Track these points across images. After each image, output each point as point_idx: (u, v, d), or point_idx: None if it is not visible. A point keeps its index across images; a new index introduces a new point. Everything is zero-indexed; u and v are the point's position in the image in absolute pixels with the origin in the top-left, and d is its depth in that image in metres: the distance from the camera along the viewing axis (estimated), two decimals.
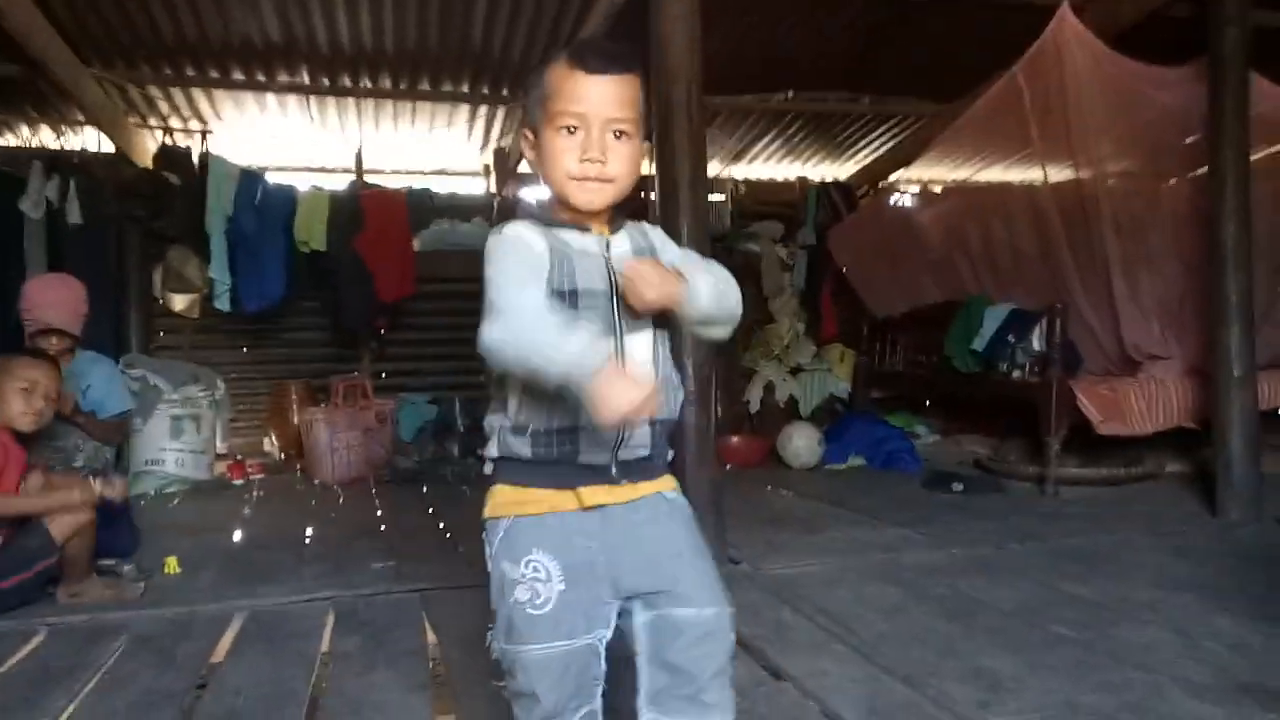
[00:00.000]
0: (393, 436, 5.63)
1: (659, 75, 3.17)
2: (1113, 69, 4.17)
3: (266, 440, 6.17)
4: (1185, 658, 2.15)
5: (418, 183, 6.76)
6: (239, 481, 5.28)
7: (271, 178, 5.97)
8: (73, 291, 3.62)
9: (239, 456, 5.65)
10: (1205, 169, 3.97)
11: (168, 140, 5.92)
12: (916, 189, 6.88)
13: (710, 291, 1.32)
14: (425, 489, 4.93)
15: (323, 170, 6.88)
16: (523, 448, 1.31)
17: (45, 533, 2.69)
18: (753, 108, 6.28)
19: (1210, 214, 3.80)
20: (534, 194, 6.49)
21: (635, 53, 1.35)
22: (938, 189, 6.87)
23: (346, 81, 5.64)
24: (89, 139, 6.02)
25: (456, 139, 6.60)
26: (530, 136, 1.37)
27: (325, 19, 4.81)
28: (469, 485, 4.94)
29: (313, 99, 5.82)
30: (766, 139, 7.01)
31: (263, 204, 5.70)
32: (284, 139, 6.36)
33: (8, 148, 5.95)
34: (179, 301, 6.03)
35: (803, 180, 7.48)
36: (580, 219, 1.34)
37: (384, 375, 6.42)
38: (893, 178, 7.29)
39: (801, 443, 5.25)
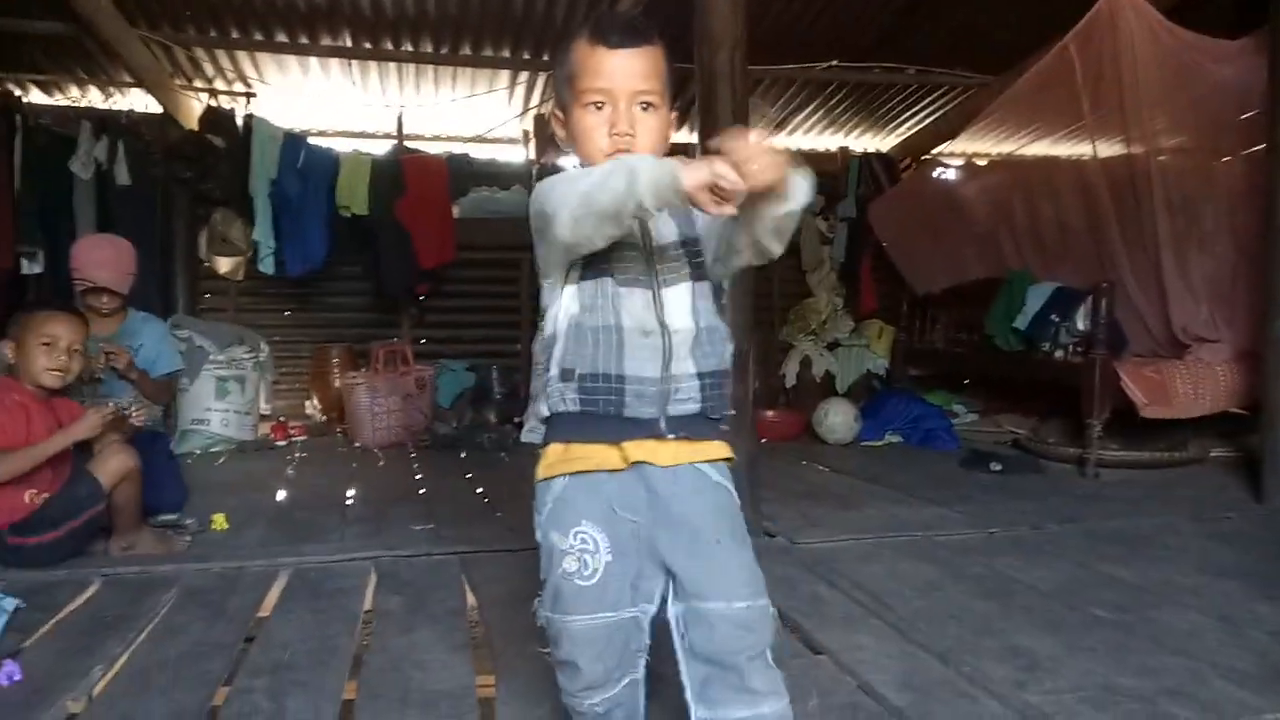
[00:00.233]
0: (432, 402, 5.69)
1: (702, 42, 3.14)
2: (1169, 40, 4.06)
3: (308, 403, 6.27)
4: (1227, 644, 2.13)
5: (457, 149, 6.77)
6: (281, 442, 5.38)
7: (313, 142, 6.01)
8: (120, 251, 3.66)
9: (282, 418, 5.76)
10: (1263, 146, 3.86)
11: (213, 102, 5.98)
12: (960, 162, 6.76)
13: (806, 184, 1.26)
14: (463, 455, 4.99)
15: (363, 135, 6.91)
16: (570, 395, 1.31)
17: (93, 480, 2.76)
18: (795, 77, 6.20)
19: (1266, 192, 3.69)
20: (573, 162, 6.47)
21: (654, 25, 1.35)
22: (982, 162, 6.75)
23: (388, 45, 5.65)
24: (136, 100, 6.09)
25: (496, 105, 6.59)
26: (560, 116, 1.39)
27: None
28: (506, 451, 5.00)
29: (354, 63, 5.83)
30: (808, 109, 6.92)
31: (305, 167, 5.75)
32: (326, 103, 6.39)
33: (57, 107, 6.04)
34: (224, 264, 6.12)
35: (844, 151, 7.39)
36: None
37: (423, 341, 6.48)
38: (936, 150, 7.18)
39: (838, 418, 5.23)
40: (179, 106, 5.92)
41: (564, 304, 1.33)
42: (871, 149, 7.51)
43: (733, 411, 1.40)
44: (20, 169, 5.25)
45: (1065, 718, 1.75)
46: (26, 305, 3.20)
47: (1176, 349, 4.51)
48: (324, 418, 6.06)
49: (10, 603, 2.28)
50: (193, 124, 5.84)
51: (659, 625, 1.37)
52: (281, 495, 3.90)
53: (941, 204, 6.27)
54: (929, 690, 1.89)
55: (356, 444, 5.31)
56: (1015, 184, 5.73)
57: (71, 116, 5.75)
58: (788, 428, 5.50)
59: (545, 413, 1.36)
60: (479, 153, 6.90)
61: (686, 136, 6.36)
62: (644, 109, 1.32)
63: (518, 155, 7.05)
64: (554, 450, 1.36)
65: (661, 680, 1.41)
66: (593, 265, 1.31)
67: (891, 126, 7.33)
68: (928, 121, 7.14)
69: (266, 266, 5.76)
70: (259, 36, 5.48)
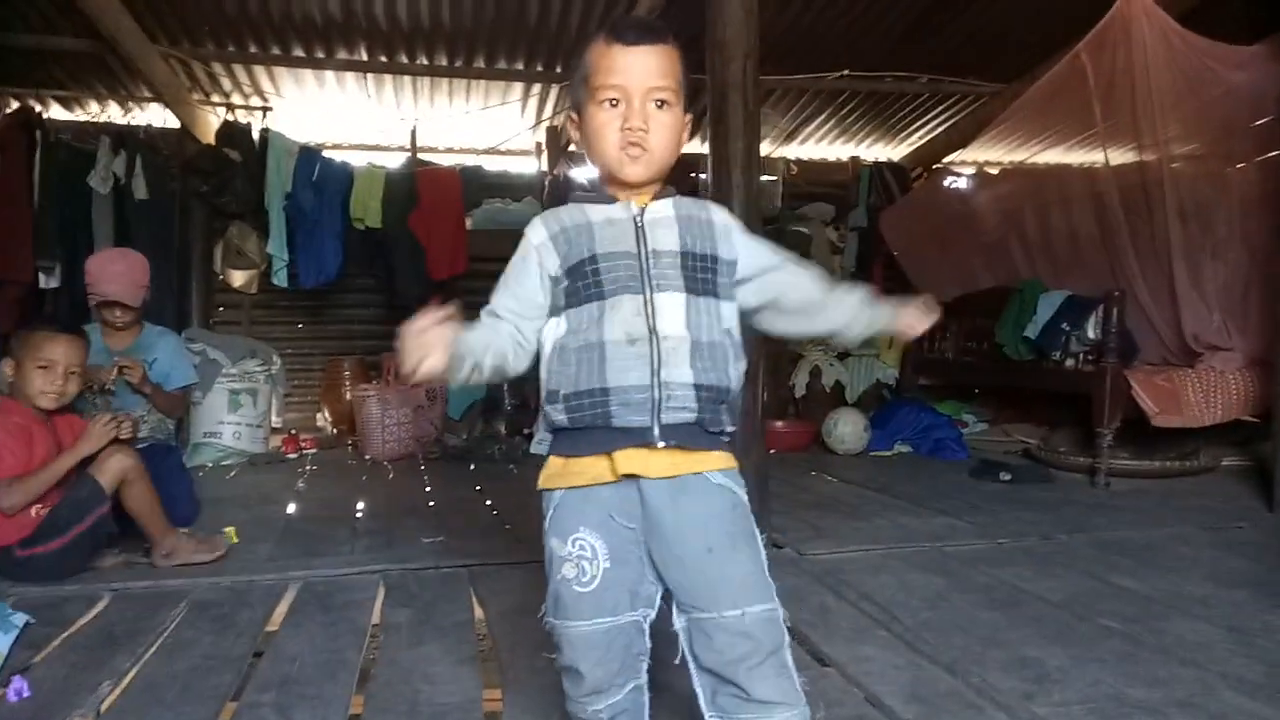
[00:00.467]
0: (442, 414, 5.72)
1: (714, 52, 3.16)
2: (1182, 46, 4.05)
3: (319, 415, 6.31)
4: (1237, 655, 2.11)
5: (470, 161, 6.82)
6: (292, 455, 5.41)
7: (329, 155, 6.07)
8: (131, 264, 3.67)
9: (293, 431, 5.79)
10: (1276, 152, 3.84)
11: (229, 117, 6.04)
12: (972, 171, 6.76)
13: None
14: (473, 466, 5.01)
15: (378, 148, 6.97)
16: (559, 415, 1.32)
17: (93, 481, 2.77)
18: (806, 86, 6.22)
19: (1278, 198, 3.67)
20: (585, 173, 6.50)
21: (668, 27, 1.36)
22: (994, 171, 6.74)
23: (403, 59, 5.71)
24: (154, 115, 6.17)
25: (509, 117, 6.64)
26: (575, 118, 1.40)
27: None
28: (515, 463, 5.01)
29: (369, 76, 5.90)
30: (820, 119, 6.93)
31: (320, 180, 5.81)
32: (341, 116, 6.45)
33: (77, 122, 6.12)
34: (238, 277, 6.18)
35: (855, 161, 7.39)
36: (622, 193, 1.36)
37: None
38: (947, 159, 7.17)
39: (847, 428, 5.22)
40: (196, 121, 5.99)
41: (551, 331, 1.35)
42: (883, 158, 7.51)
43: (733, 428, 1.38)
44: (39, 184, 5.33)
45: None
46: (29, 323, 3.22)
47: (1188, 357, 4.48)
48: (335, 430, 6.10)
49: (20, 618, 2.29)
50: (209, 138, 5.91)
51: (662, 632, 1.38)
52: (292, 508, 3.92)
53: (952, 213, 6.26)
54: (936, 702, 1.88)
55: (367, 456, 5.34)
56: (1026, 192, 5.72)
57: (90, 132, 5.83)
58: (797, 438, 5.49)
59: (548, 430, 1.39)
60: (492, 165, 6.95)
61: (698, 146, 6.38)
62: (658, 106, 1.32)
63: (530, 167, 7.09)
64: (554, 462, 1.37)
65: (665, 689, 1.41)
66: (579, 293, 1.32)
67: (903, 136, 7.33)
68: (939, 131, 7.14)
69: (280, 279, 5.82)
70: (276, 51, 5.55)
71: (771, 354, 5.71)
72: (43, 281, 5.37)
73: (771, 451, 4.34)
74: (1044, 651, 2.14)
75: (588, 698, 1.34)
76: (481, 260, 6.23)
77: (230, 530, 3.26)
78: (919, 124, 7.10)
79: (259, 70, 5.80)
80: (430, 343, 1.22)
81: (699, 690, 1.32)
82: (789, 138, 7.20)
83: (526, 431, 5.56)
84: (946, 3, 5.14)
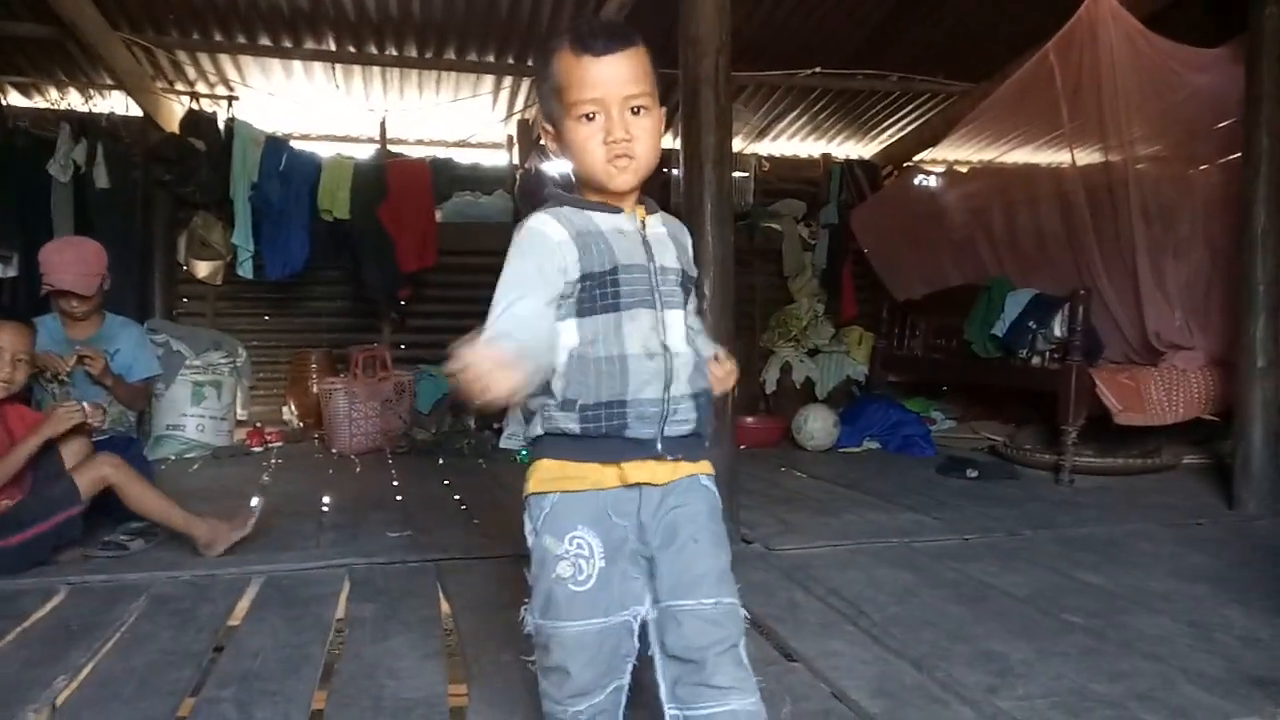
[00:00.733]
0: (410, 408, 5.67)
1: (686, 47, 3.15)
2: (1147, 49, 4.11)
3: (285, 408, 6.23)
4: (1197, 649, 2.14)
5: (440, 153, 6.76)
6: (258, 449, 5.35)
7: (296, 145, 5.99)
8: (83, 253, 3.56)
9: (258, 424, 5.72)
10: (1238, 154, 3.90)
11: (194, 105, 5.95)
12: (941, 169, 6.81)
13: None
14: (441, 461, 4.97)
15: (347, 139, 6.89)
16: (570, 423, 1.30)
17: (69, 482, 2.74)
18: (778, 83, 6.23)
19: (1241, 200, 3.73)
20: (557, 167, 6.47)
21: (631, 28, 1.35)
22: (963, 170, 6.80)
23: (372, 49, 5.64)
24: (117, 103, 6.05)
25: (480, 110, 6.59)
26: (550, 129, 1.37)
27: None
28: (484, 458, 4.98)
29: (338, 66, 5.82)
30: (791, 115, 6.95)
31: (287, 171, 5.73)
32: (309, 106, 6.37)
33: (36, 109, 5.99)
34: (203, 268, 6.09)
35: (827, 158, 7.42)
36: (611, 200, 1.35)
37: (403, 347, 6.46)
38: (918, 158, 7.22)
39: (817, 425, 5.24)
40: (160, 109, 5.88)
41: (560, 339, 1.31)
42: (854, 156, 7.55)
43: (712, 430, 1.43)
44: None
45: None
46: None
47: (1151, 356, 4.55)
48: (301, 424, 6.02)
49: None
50: (173, 127, 5.81)
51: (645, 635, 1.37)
52: (256, 502, 3.85)
53: (922, 211, 6.30)
54: (902, 696, 1.89)
55: (333, 450, 5.28)
56: (995, 191, 5.78)
57: (50, 119, 5.71)
58: (767, 434, 5.51)
59: (539, 432, 1.35)
60: (462, 157, 6.90)
61: (670, 142, 6.38)
62: (636, 113, 1.31)
63: (501, 160, 7.04)
64: (549, 466, 1.34)
65: (644, 689, 1.40)
66: (594, 302, 1.30)
67: (874, 133, 7.37)
68: (909, 129, 7.19)
69: (245, 270, 5.73)
70: (242, 39, 5.46)
71: (743, 350, 5.73)
72: (0, 271, 5.25)
73: (741, 447, 4.35)
74: (1009, 646, 2.16)
75: (571, 699, 1.32)
76: (451, 254, 6.19)
77: (256, 501, 3.21)
78: (890, 122, 7.14)
79: (224, 59, 5.70)
80: (502, 361, 1.16)
81: (661, 681, 1.33)
82: (761, 134, 7.21)
83: (496, 426, 5.53)
84: (917, 2, 5.17)
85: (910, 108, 6.87)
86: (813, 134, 7.35)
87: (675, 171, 3.32)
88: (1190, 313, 4.46)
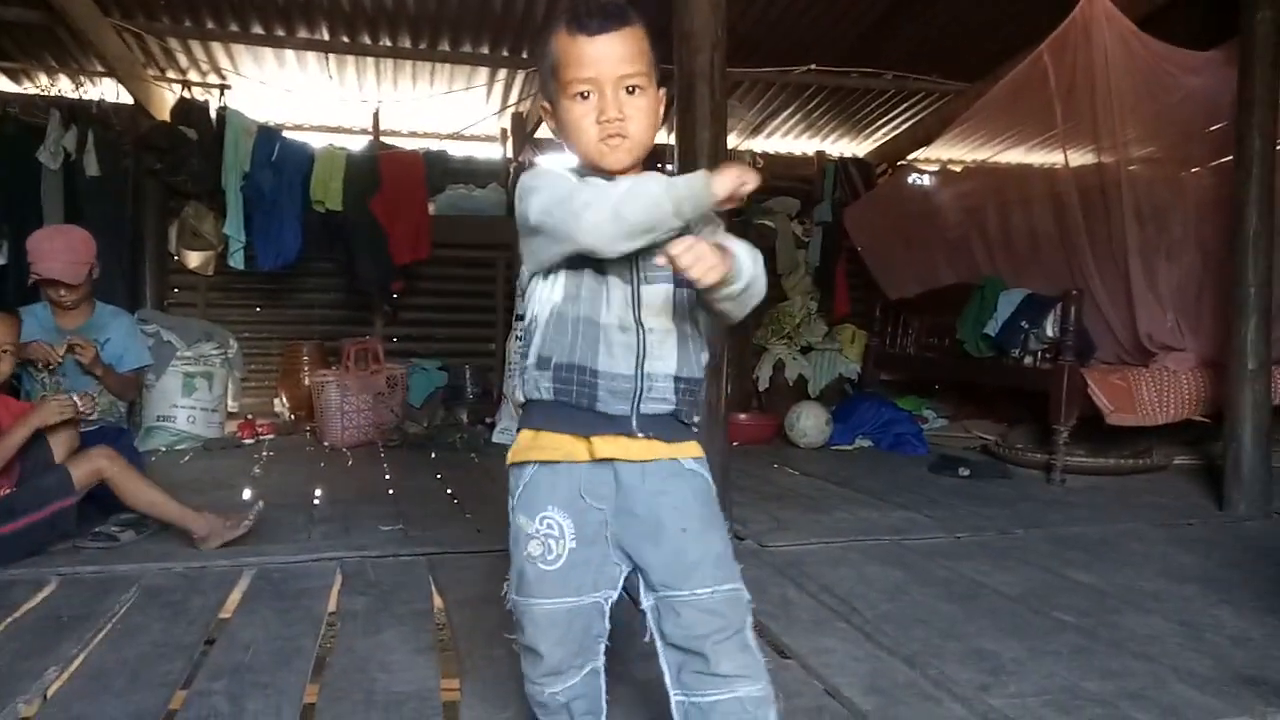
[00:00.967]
0: (403, 401, 5.66)
1: (681, 43, 3.14)
2: (1141, 50, 4.12)
3: (277, 400, 6.21)
4: (1187, 648, 2.16)
5: (434, 145, 6.73)
6: (249, 441, 5.32)
7: (288, 135, 5.96)
8: (71, 241, 3.51)
9: (249, 416, 5.70)
10: (1230, 157, 3.92)
11: (186, 94, 5.90)
12: (935, 168, 6.82)
13: (752, 269, 1.28)
14: (433, 455, 4.96)
15: (339, 130, 6.86)
16: (545, 383, 1.31)
17: (63, 471, 2.72)
18: (773, 80, 6.23)
19: (1233, 202, 3.75)
20: (551, 160, 6.46)
21: (629, 6, 1.34)
22: (956, 169, 6.81)
23: (366, 40, 5.61)
24: (107, 90, 6.01)
25: (474, 102, 6.56)
26: (548, 108, 1.38)
27: None
28: (477, 452, 4.97)
29: (331, 57, 5.79)
30: (786, 112, 6.95)
31: (279, 161, 5.69)
32: (302, 96, 6.33)
33: (26, 96, 5.94)
34: (194, 258, 6.06)
35: (821, 155, 7.43)
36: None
37: (395, 340, 6.44)
38: (911, 156, 7.23)
39: (809, 422, 5.25)
40: (151, 97, 5.84)
41: (546, 293, 1.33)
42: (848, 154, 7.56)
43: (699, 418, 1.41)
44: None
45: None
46: None
47: (1142, 357, 4.57)
48: (292, 416, 6.00)
49: None
50: (165, 115, 5.78)
51: (624, 621, 1.38)
52: (247, 494, 3.85)
53: (915, 210, 6.31)
54: (894, 693, 1.90)
55: (325, 443, 5.26)
56: (988, 191, 5.78)
57: (40, 105, 5.66)
58: (760, 431, 5.51)
59: (521, 399, 1.38)
60: (456, 150, 6.88)
61: (665, 137, 6.36)
62: (630, 92, 1.30)
63: (495, 153, 7.03)
64: (524, 436, 1.37)
65: (622, 679, 1.40)
66: (581, 257, 1.29)
67: (868, 132, 7.37)
68: (903, 127, 7.19)
69: (237, 261, 5.71)
70: (234, 27, 5.42)
71: (735, 347, 5.73)
72: None
73: (734, 444, 4.35)
74: (1000, 644, 2.17)
75: (545, 679, 1.36)
76: (444, 246, 6.17)
77: (259, 502, 3.19)
78: (884, 120, 7.15)
79: (216, 47, 5.66)
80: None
81: (665, 668, 1.34)
82: (755, 131, 7.21)
83: (488, 420, 5.52)
84: (912, 1, 5.17)
85: (904, 106, 6.88)
86: (807, 131, 7.36)
87: (670, 166, 3.31)
88: (1182, 314, 4.48)
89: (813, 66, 6.01)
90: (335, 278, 6.40)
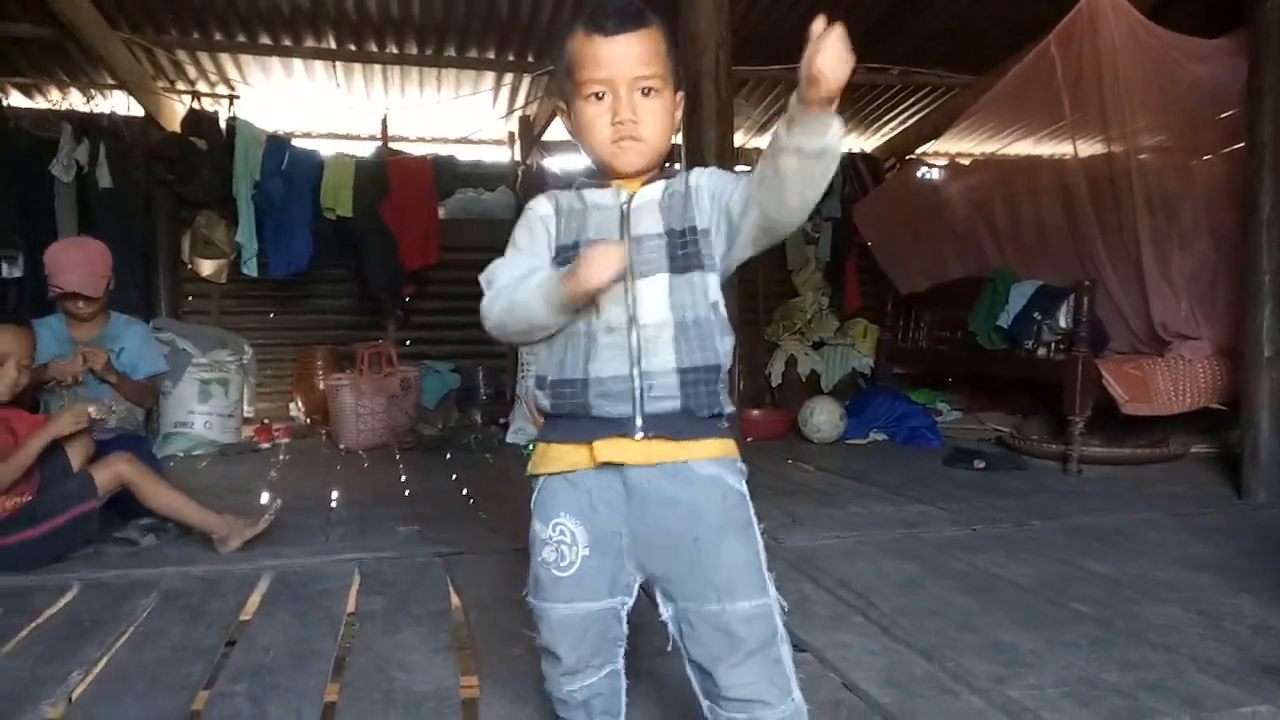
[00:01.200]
0: (416, 404, 5.68)
1: (687, 42, 3.16)
2: (1149, 40, 4.10)
3: (292, 405, 6.24)
4: (1206, 638, 2.14)
5: (442, 150, 6.76)
6: (265, 445, 5.36)
7: (298, 144, 5.99)
8: (88, 253, 3.56)
9: (265, 421, 5.73)
10: (1241, 144, 3.89)
11: (195, 105, 5.95)
12: (944, 162, 6.80)
13: (840, 131, 1.17)
14: (448, 456, 4.98)
15: (348, 137, 6.90)
16: (544, 401, 1.34)
17: (86, 476, 2.75)
18: (779, 77, 6.22)
19: (1246, 190, 3.73)
20: (558, 163, 6.47)
21: (648, 9, 1.33)
22: (965, 162, 6.79)
23: (373, 47, 5.64)
24: (118, 103, 6.06)
25: (481, 107, 6.59)
26: (564, 109, 1.38)
27: None
28: (491, 453, 4.98)
29: (339, 65, 5.82)
30: None
31: (289, 169, 5.73)
32: (310, 105, 6.37)
33: (38, 110, 6.00)
34: (207, 267, 6.10)
35: None
36: (622, 183, 1.35)
37: (408, 343, 6.47)
38: (920, 150, 7.21)
39: (823, 417, 5.24)
40: (161, 109, 5.89)
41: None
42: (856, 149, 7.54)
43: (731, 408, 1.34)
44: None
45: (1047, 712, 1.76)
46: None
47: (1157, 346, 4.54)
48: (308, 420, 6.04)
49: None
50: (175, 126, 5.81)
51: (642, 620, 1.38)
52: (265, 498, 3.87)
53: (925, 203, 6.29)
54: (912, 686, 1.89)
55: (340, 446, 5.29)
56: (998, 183, 5.76)
57: (52, 119, 5.71)
58: (773, 427, 5.51)
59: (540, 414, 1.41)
60: (464, 154, 6.90)
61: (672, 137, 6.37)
62: (645, 94, 1.29)
63: (503, 156, 7.05)
64: (540, 449, 1.38)
65: (643, 676, 1.41)
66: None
67: (875, 127, 7.36)
68: (911, 122, 7.18)
69: (250, 269, 5.75)
70: (242, 38, 5.46)
71: (747, 343, 5.74)
72: (4, 271, 5.26)
73: (748, 440, 4.36)
74: (1017, 636, 2.16)
75: (563, 678, 1.37)
76: (454, 250, 6.19)
77: (276, 501, 3.21)
78: (891, 115, 7.13)
79: (225, 58, 5.70)
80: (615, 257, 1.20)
81: (691, 676, 1.33)
82: (762, 129, 7.20)
83: (502, 421, 5.54)
84: None
85: (912, 101, 6.86)
86: None
87: (677, 166, 3.29)
88: (1196, 302, 4.45)
89: None
90: (347, 283, 6.43)
